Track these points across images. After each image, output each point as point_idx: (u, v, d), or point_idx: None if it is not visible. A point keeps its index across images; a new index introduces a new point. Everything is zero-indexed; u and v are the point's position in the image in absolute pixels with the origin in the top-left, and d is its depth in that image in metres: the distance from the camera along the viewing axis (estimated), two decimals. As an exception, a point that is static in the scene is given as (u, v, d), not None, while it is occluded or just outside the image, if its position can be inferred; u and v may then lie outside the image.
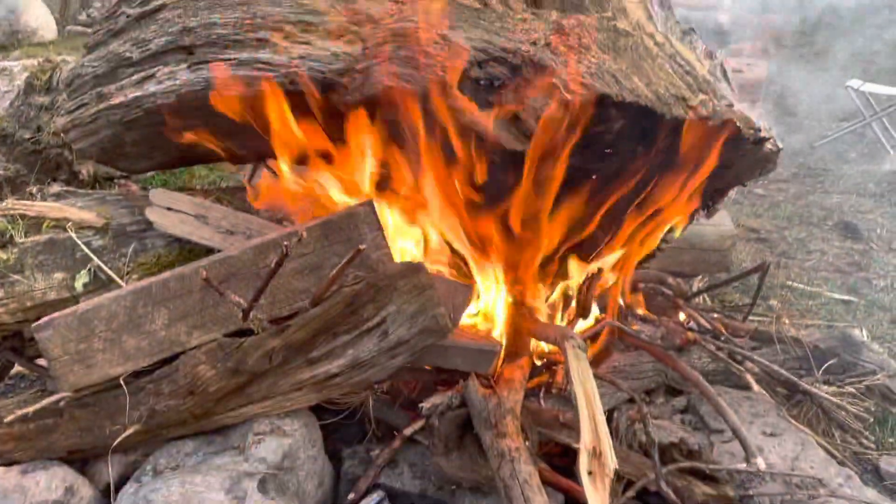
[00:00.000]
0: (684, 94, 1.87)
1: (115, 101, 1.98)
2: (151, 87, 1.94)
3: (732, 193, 4.46)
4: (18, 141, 2.65)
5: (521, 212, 1.94)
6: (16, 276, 1.79)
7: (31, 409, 1.60)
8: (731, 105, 1.95)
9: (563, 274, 2.28)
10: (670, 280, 2.63)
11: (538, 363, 2.09)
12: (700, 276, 3.12)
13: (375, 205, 1.87)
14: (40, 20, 8.44)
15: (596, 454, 1.40)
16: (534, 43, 1.79)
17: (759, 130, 2.00)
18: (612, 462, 1.39)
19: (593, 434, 1.43)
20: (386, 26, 1.83)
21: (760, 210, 4.35)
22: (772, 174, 5.10)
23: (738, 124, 1.91)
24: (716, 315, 2.64)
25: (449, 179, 1.93)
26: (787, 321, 2.71)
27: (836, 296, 3.25)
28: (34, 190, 1.99)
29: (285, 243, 1.48)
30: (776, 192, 4.74)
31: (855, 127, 5.75)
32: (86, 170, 2.77)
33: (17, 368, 2.26)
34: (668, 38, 2.01)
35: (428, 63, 1.79)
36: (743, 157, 2.02)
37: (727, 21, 7.62)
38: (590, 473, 1.38)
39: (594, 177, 1.99)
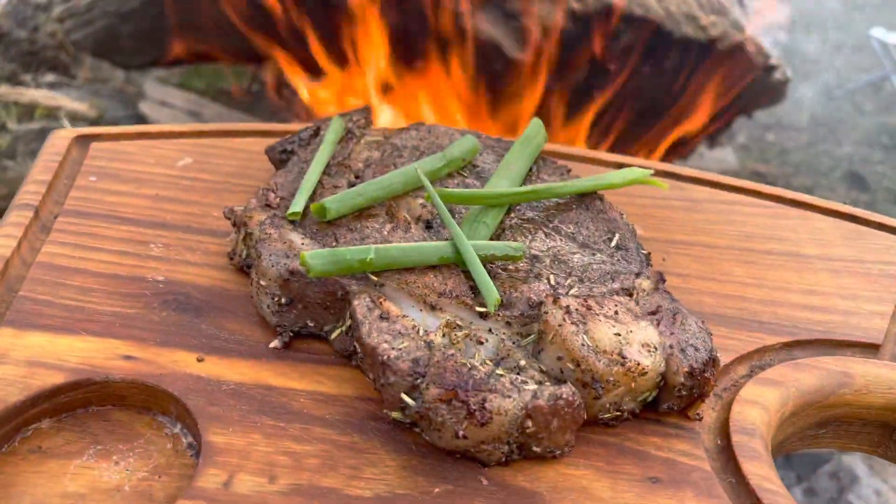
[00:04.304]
0: (695, 14, 1.85)
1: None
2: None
3: (742, 137, 4.40)
4: (14, 40, 2.64)
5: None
6: (8, 162, 1.83)
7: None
8: (742, 29, 1.94)
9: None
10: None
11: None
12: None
13: (371, 109, 1.89)
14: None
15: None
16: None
17: (770, 57, 1.99)
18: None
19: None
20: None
21: (769, 156, 4.32)
22: (784, 122, 5.03)
23: (747, 49, 1.89)
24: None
25: (448, 86, 1.94)
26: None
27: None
28: (28, 78, 2.01)
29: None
30: (787, 139, 4.70)
31: (874, 78, 5.62)
32: (83, 74, 2.76)
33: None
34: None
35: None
36: (751, 83, 2.01)
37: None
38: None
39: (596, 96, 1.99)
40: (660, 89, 2.01)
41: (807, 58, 5.98)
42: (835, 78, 5.90)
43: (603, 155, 0.85)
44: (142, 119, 1.91)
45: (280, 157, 0.77)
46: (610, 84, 1.96)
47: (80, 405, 0.58)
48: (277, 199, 0.68)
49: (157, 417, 0.58)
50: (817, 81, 5.72)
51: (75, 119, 1.88)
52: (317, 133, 0.77)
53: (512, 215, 0.66)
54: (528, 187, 0.65)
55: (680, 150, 2.43)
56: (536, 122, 0.74)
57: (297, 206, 0.65)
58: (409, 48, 1.94)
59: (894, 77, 5.39)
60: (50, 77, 1.96)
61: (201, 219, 0.74)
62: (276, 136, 0.86)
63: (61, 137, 0.84)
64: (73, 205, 0.75)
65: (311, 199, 0.67)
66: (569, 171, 0.73)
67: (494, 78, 1.95)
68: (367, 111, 0.81)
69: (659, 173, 0.84)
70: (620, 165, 0.83)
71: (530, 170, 0.72)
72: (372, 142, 0.76)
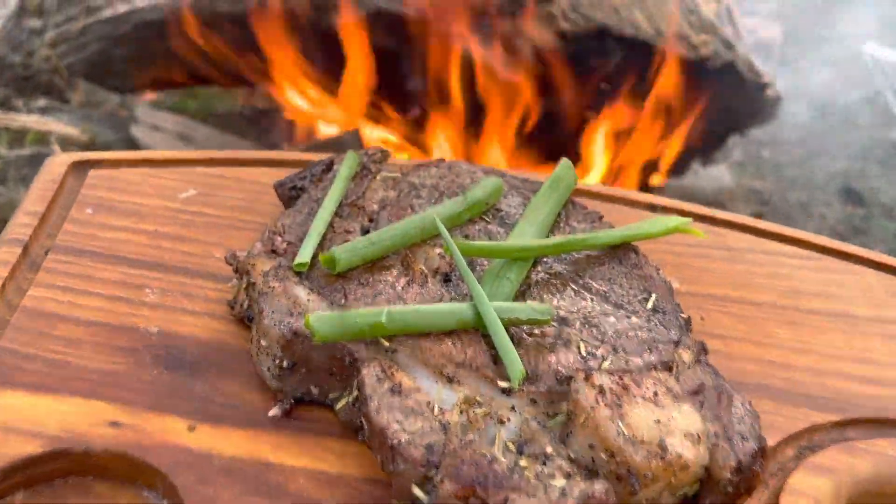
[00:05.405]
0: (686, 33, 1.83)
1: (104, 15, 1.97)
2: (140, 2, 1.92)
3: (737, 154, 4.37)
4: (9, 65, 2.60)
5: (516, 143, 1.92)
6: (-2, 188, 1.79)
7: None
8: (733, 48, 1.92)
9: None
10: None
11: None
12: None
13: (363, 131, 1.86)
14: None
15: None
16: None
17: (762, 76, 1.97)
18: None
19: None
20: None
21: (764, 172, 4.29)
22: (778, 137, 5.01)
23: (738, 68, 1.87)
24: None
25: (443, 109, 1.91)
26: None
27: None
28: (20, 103, 1.97)
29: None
30: (781, 154, 4.67)
31: (868, 93, 5.60)
32: (76, 97, 2.72)
33: None
34: (673, -25, 1.97)
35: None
36: (743, 102, 1.99)
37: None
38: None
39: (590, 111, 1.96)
40: (650, 108, 1.97)
41: (799, 73, 5.96)
42: (828, 93, 5.87)
43: (633, 195, 0.80)
44: (133, 143, 1.86)
45: (290, 194, 0.72)
46: (601, 104, 1.93)
47: (59, 475, 0.52)
48: (284, 245, 0.62)
49: (142, 492, 0.52)
50: (810, 97, 5.70)
51: (66, 143, 1.83)
52: (329, 168, 0.71)
53: (538, 268, 0.60)
54: (557, 239, 0.60)
55: (673, 168, 2.40)
56: (566, 164, 0.69)
57: (304, 255, 0.59)
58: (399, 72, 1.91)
59: (888, 92, 5.38)
60: (42, 102, 1.92)
61: (202, 260, 0.69)
62: (286, 167, 0.81)
63: (58, 164, 0.78)
64: (66, 240, 0.69)
65: (322, 243, 0.62)
66: (600, 217, 0.68)
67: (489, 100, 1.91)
68: (382, 148, 0.76)
69: (696, 217, 0.78)
70: (653, 207, 0.78)
71: (558, 215, 0.66)
72: (388, 178, 0.70)
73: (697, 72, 1.87)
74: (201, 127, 1.95)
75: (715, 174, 2.82)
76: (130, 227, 0.72)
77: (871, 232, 3.56)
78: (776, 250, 0.75)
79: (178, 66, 1.98)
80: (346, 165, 0.69)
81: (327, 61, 1.93)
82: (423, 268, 0.59)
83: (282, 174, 0.76)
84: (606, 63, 1.86)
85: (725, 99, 1.97)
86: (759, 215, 2.46)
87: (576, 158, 2.01)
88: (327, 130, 2.04)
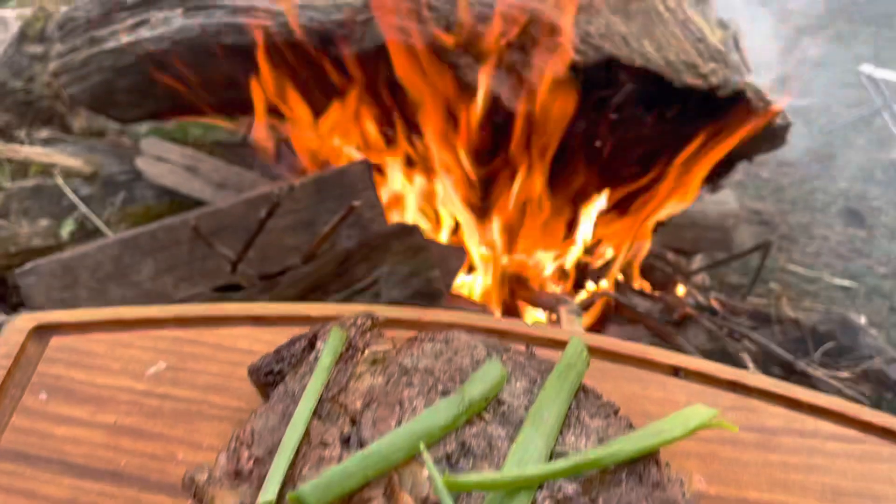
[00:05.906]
0: (695, 62, 1.82)
1: (107, 46, 1.94)
2: (144, 33, 1.89)
3: (737, 175, 4.37)
4: (10, 91, 2.58)
5: (521, 178, 1.89)
6: (0, 222, 1.75)
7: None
8: (742, 75, 1.91)
9: (561, 244, 2.23)
10: (669, 256, 2.58)
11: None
12: (699, 256, 3.08)
13: (371, 164, 1.83)
14: (42, -27, 8.28)
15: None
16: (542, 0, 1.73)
17: (770, 103, 1.96)
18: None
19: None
20: (390, -23, 1.77)
21: (764, 193, 4.29)
22: (778, 158, 5.01)
23: (748, 95, 1.86)
24: (714, 294, 2.61)
25: (449, 142, 1.88)
26: (786, 302, 2.68)
27: (837, 281, 3.21)
28: (23, 134, 1.93)
29: (276, 192, 1.44)
30: (781, 175, 4.67)
31: (865, 114, 5.64)
32: (78, 123, 2.70)
33: None
34: (680, 4, 1.96)
35: (431, 17, 1.73)
36: (752, 129, 1.97)
37: None
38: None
39: (599, 145, 1.94)
40: (662, 138, 1.97)
41: (796, 94, 5.96)
42: (826, 114, 5.91)
43: (652, 353, 0.73)
44: (137, 175, 1.82)
45: (266, 380, 0.62)
46: (611, 135, 1.91)
47: None
48: (250, 464, 0.52)
49: None
50: (808, 117, 5.73)
51: (70, 176, 1.79)
52: (312, 345, 0.62)
53: (545, 490, 0.52)
54: (567, 463, 0.52)
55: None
56: (577, 344, 0.62)
57: (269, 493, 0.50)
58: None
59: (885, 112, 5.41)
60: (45, 132, 1.88)
61: (163, 464, 0.60)
62: (269, 324, 0.72)
63: (16, 330, 0.69)
64: (13, 440, 0.60)
65: (294, 459, 0.53)
66: (616, 411, 0.59)
67: (495, 129, 1.89)
68: (371, 315, 0.66)
69: (723, 383, 0.71)
70: (675, 370, 0.71)
71: (568, 407, 0.58)
72: (378, 354, 0.62)
73: (708, 101, 1.86)
74: (207, 158, 1.91)
75: (720, 198, 2.80)
76: (87, 420, 0.63)
77: (873, 254, 3.55)
78: (812, 430, 0.66)
79: (181, 97, 1.95)
80: (329, 348, 0.60)
81: (332, 93, 1.90)
82: (409, 499, 0.51)
83: (264, 336, 0.67)
84: (616, 94, 1.84)
85: (735, 127, 1.95)
86: (763, 242, 2.44)
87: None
88: (334, 160, 2.01)
